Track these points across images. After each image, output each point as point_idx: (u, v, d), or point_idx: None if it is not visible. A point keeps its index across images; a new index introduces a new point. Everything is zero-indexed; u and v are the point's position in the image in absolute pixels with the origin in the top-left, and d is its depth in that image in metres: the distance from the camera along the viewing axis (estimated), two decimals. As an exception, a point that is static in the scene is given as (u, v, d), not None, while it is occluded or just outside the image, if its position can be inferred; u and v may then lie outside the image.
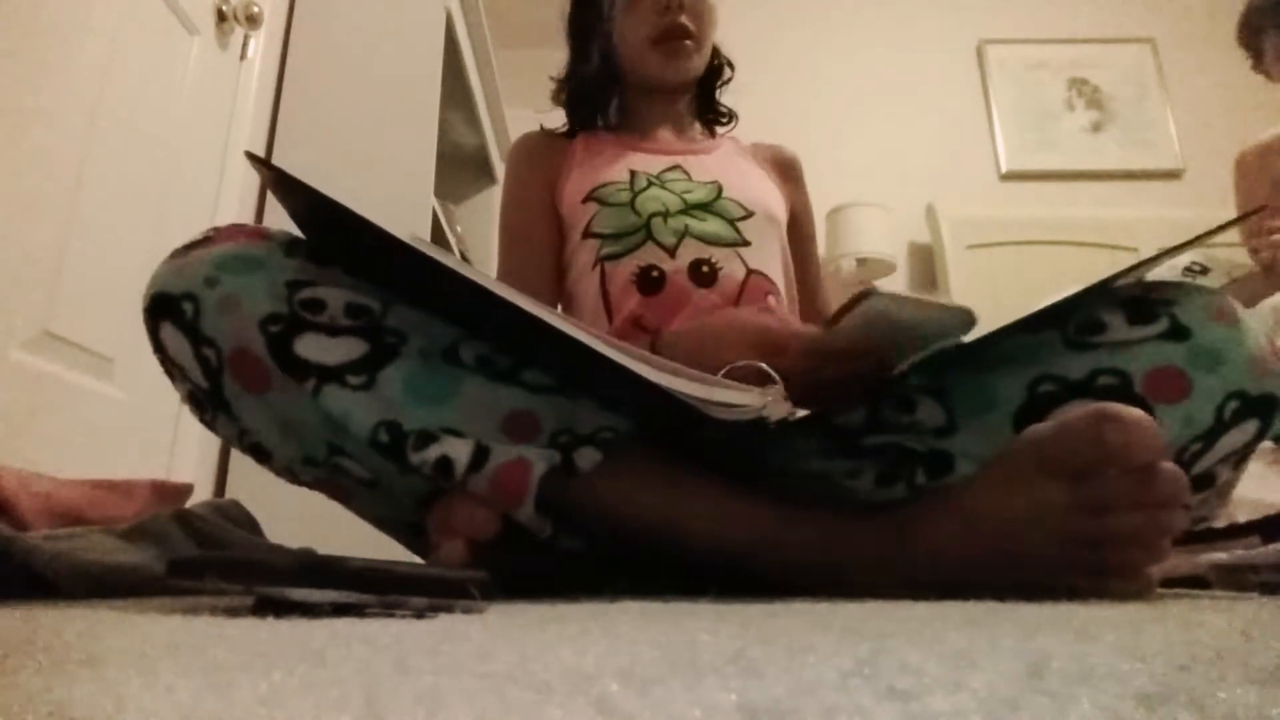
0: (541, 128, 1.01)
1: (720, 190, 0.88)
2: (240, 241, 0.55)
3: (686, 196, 0.87)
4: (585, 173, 0.92)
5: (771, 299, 0.85)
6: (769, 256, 0.87)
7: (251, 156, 0.49)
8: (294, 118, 1.57)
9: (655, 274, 0.83)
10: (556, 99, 1.02)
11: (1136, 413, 0.44)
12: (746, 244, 0.85)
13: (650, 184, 0.88)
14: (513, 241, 0.95)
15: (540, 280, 0.91)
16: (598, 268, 0.86)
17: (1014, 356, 0.56)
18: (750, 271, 0.84)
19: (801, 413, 0.56)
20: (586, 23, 0.98)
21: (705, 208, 0.86)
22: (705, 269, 0.83)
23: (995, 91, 3.05)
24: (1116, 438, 0.43)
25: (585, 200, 0.89)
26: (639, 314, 0.81)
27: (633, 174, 0.89)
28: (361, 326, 0.53)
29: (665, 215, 0.85)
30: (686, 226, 0.84)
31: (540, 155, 0.97)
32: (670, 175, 0.90)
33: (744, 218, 0.87)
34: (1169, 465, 0.44)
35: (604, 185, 0.89)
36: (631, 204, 0.86)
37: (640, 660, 0.21)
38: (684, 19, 0.90)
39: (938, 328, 0.55)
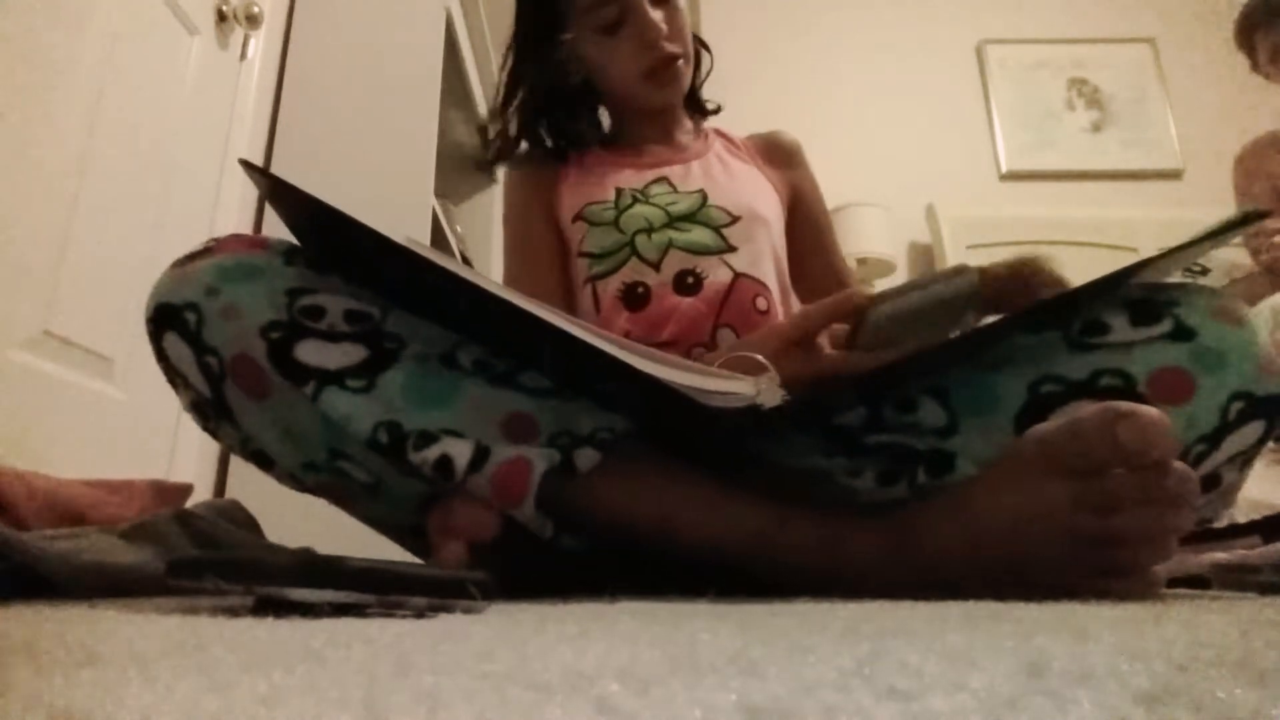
0: (536, 147, 1.00)
1: (705, 199, 0.89)
2: (240, 251, 0.56)
3: (671, 209, 0.87)
4: (576, 192, 0.93)
5: (760, 300, 0.85)
6: (758, 258, 0.87)
7: (246, 165, 0.49)
8: (294, 118, 1.57)
9: (640, 289, 0.84)
10: (527, 135, 0.97)
11: (1150, 410, 0.43)
12: (732, 249, 0.86)
13: (635, 200, 0.88)
14: (516, 258, 0.96)
15: (546, 292, 0.91)
16: (589, 286, 0.87)
17: (1016, 357, 0.56)
18: (737, 275, 0.84)
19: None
20: (543, 49, 0.93)
21: (689, 218, 0.87)
22: (690, 279, 0.83)
23: (995, 91, 3.05)
24: (1130, 436, 0.43)
25: (575, 220, 0.90)
26: (627, 330, 0.82)
27: (618, 191, 0.90)
28: (361, 332, 0.54)
29: (649, 231, 0.86)
30: (670, 239, 0.85)
31: (536, 176, 0.97)
32: (655, 189, 0.90)
33: (729, 223, 0.87)
34: (1179, 463, 0.43)
35: (591, 204, 0.90)
36: (616, 222, 0.87)
37: (640, 660, 0.21)
38: (669, 46, 0.89)
39: (949, 293, 0.57)
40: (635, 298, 0.84)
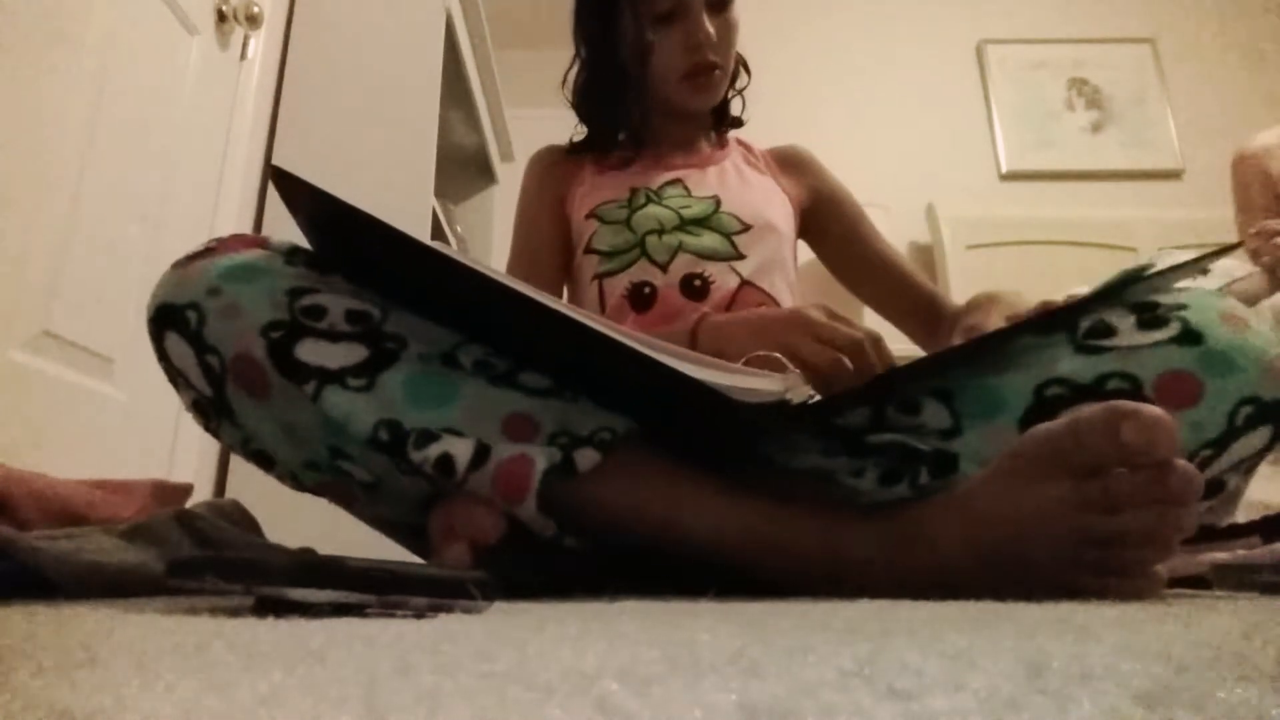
0: (572, 141, 1.02)
1: (718, 204, 0.89)
2: (242, 251, 0.56)
3: (683, 212, 0.88)
4: (591, 189, 0.93)
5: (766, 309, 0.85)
6: (767, 269, 0.88)
7: (276, 170, 0.49)
8: (294, 118, 1.57)
9: (647, 290, 0.84)
10: (576, 109, 1.01)
11: (1154, 409, 0.43)
12: (741, 257, 0.86)
13: (648, 201, 0.89)
14: (520, 254, 0.97)
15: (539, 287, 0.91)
16: (596, 283, 0.87)
17: (1021, 360, 0.56)
18: (744, 284, 0.85)
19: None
20: (604, 33, 0.94)
21: (701, 223, 0.87)
22: (697, 283, 0.84)
23: (995, 91, 3.05)
24: (1134, 434, 0.43)
25: (588, 217, 0.90)
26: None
27: (633, 191, 0.90)
28: (361, 332, 0.54)
29: (660, 232, 0.86)
30: (680, 242, 0.85)
31: (552, 171, 0.98)
32: (670, 191, 0.91)
33: (740, 231, 0.87)
34: (1184, 462, 0.43)
35: (605, 203, 0.90)
36: (627, 221, 0.88)
37: (640, 660, 0.21)
38: (711, 54, 0.90)
39: None
40: (642, 298, 0.84)
